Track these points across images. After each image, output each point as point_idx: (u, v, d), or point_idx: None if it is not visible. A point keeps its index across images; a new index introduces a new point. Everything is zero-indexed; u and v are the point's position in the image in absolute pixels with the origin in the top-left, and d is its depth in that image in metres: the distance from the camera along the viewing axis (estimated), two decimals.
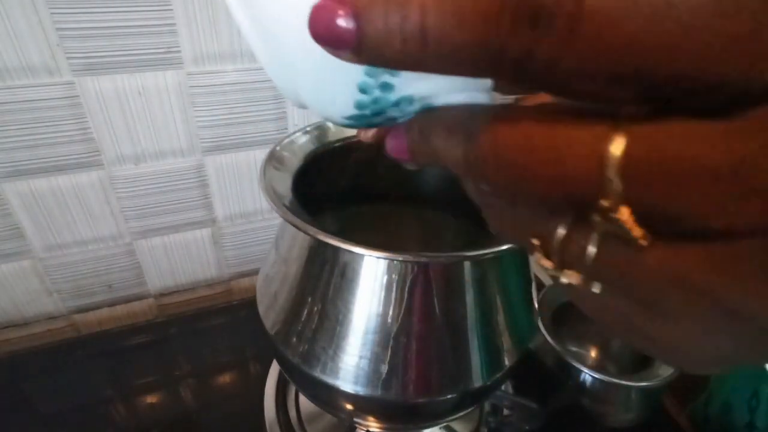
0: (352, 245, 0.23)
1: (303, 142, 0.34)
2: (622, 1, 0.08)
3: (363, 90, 0.13)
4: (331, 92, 0.13)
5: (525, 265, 0.31)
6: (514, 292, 0.30)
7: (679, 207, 0.09)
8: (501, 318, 0.29)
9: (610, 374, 0.44)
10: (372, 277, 0.26)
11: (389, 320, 0.26)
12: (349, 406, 0.30)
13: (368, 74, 0.12)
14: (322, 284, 0.27)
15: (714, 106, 0.09)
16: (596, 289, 0.11)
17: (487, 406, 0.42)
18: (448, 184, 0.39)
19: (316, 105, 0.14)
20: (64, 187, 0.46)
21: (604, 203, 0.09)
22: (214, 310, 0.56)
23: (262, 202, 0.56)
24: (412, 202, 0.41)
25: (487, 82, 0.13)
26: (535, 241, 0.12)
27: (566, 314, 0.50)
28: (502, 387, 0.34)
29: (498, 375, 0.29)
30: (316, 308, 0.28)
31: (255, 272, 0.61)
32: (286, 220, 0.25)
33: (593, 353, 0.54)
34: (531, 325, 0.32)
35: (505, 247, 0.24)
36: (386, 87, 0.13)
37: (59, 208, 0.47)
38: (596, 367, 0.47)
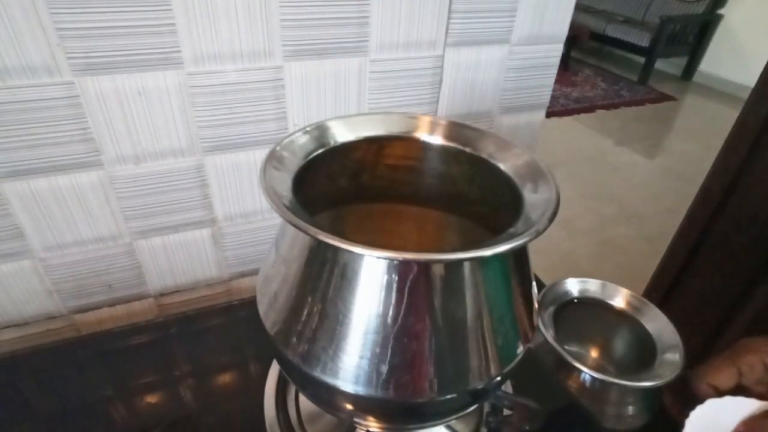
0: (352, 245, 0.23)
1: (303, 142, 0.34)
2: None
3: None
4: None
5: (525, 265, 0.31)
6: (514, 292, 0.30)
7: None
8: (501, 318, 0.29)
9: (609, 374, 0.44)
10: (372, 277, 0.26)
11: (389, 320, 0.26)
12: (349, 406, 0.30)
13: None
14: (322, 284, 0.27)
15: None
16: None
17: (487, 406, 0.42)
18: (449, 184, 0.39)
19: None
20: (64, 187, 0.46)
21: None
22: (214, 310, 0.56)
23: (262, 202, 0.56)
24: (412, 202, 0.41)
25: None
26: None
27: (566, 314, 0.50)
28: (502, 387, 0.34)
29: (498, 375, 0.29)
30: (316, 308, 0.28)
31: (255, 272, 0.61)
32: (286, 220, 0.25)
33: (593, 353, 0.54)
34: (531, 325, 0.32)
35: (505, 247, 0.24)
36: None
37: (59, 208, 0.47)
38: (596, 367, 0.47)
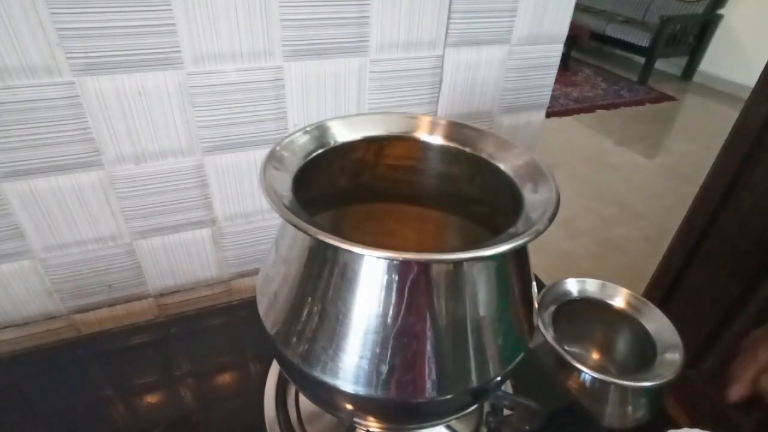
0: (352, 245, 0.23)
1: (303, 142, 0.34)
2: None
3: None
4: None
5: (525, 265, 0.31)
6: (514, 292, 0.30)
7: None
8: (501, 318, 0.29)
9: (609, 374, 0.44)
10: (372, 277, 0.26)
11: (389, 320, 0.26)
12: (349, 406, 0.30)
13: None
14: (322, 284, 0.27)
15: None
16: None
17: (487, 406, 0.42)
18: (449, 184, 0.39)
19: None
20: (64, 187, 0.46)
21: None
22: (214, 310, 0.56)
23: (262, 202, 0.56)
24: (412, 202, 0.41)
25: None
26: None
27: (566, 314, 0.51)
28: (502, 387, 0.34)
29: (498, 375, 0.29)
30: (316, 308, 0.28)
31: (255, 272, 0.61)
32: (286, 220, 0.25)
33: (593, 353, 0.54)
34: (531, 325, 0.32)
35: (505, 247, 0.24)
36: None
37: (59, 208, 0.47)
38: (596, 367, 0.47)
